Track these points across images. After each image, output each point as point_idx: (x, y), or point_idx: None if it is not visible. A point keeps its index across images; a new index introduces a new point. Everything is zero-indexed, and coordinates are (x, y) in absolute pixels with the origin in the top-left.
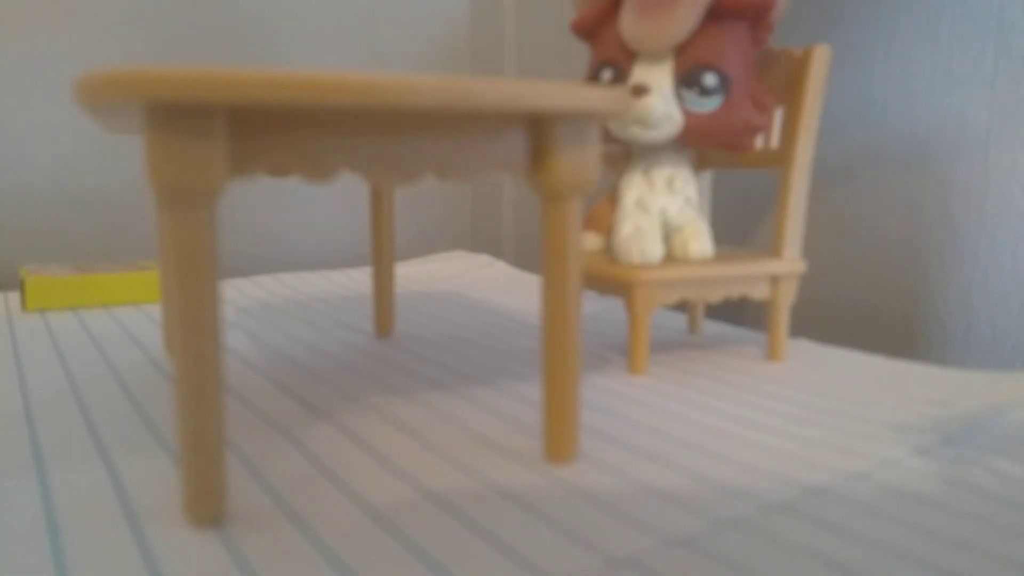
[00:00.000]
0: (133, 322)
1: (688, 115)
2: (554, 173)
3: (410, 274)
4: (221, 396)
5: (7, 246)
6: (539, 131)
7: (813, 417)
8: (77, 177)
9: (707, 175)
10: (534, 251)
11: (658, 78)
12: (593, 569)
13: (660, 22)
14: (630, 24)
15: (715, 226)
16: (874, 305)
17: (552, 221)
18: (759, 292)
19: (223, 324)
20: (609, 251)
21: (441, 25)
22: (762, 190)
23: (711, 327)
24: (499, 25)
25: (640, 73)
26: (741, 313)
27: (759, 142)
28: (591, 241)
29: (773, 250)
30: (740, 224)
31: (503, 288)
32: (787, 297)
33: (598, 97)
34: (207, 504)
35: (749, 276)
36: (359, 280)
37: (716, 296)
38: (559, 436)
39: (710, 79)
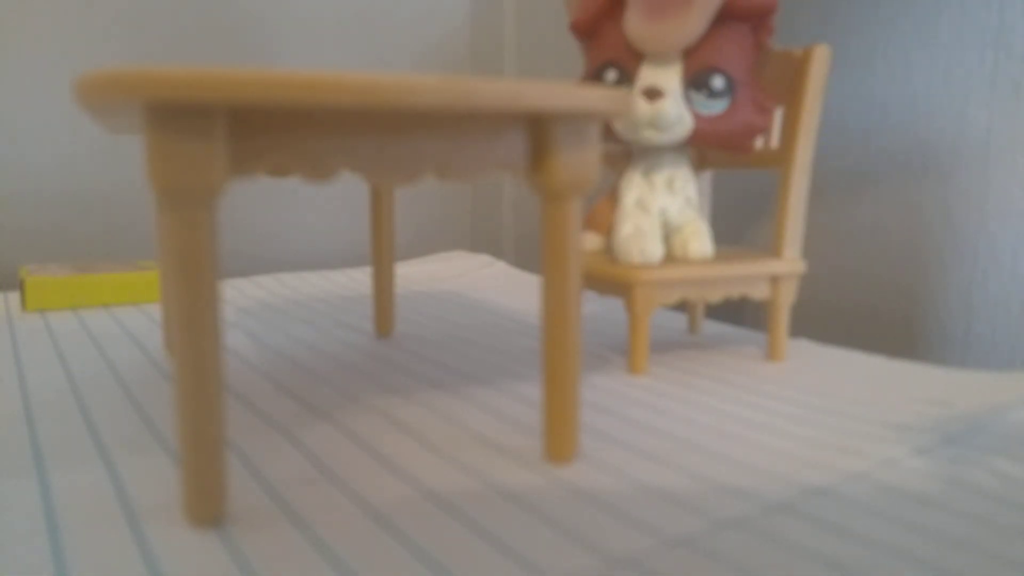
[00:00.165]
0: (133, 322)
1: (697, 117)
2: (554, 173)
3: (410, 274)
4: (221, 396)
5: (7, 246)
6: (539, 131)
7: (813, 417)
8: (77, 177)
9: (707, 175)
10: (534, 251)
11: (668, 80)
12: (593, 569)
13: (673, 24)
14: (639, 25)
15: (715, 226)
16: (874, 305)
17: (552, 221)
18: (759, 292)
19: (223, 324)
20: (609, 251)
21: (441, 25)
22: (762, 190)
23: (711, 327)
24: (499, 25)
25: (649, 75)
26: (741, 313)
27: (759, 142)
28: (591, 241)
29: (773, 250)
30: (740, 224)
31: (503, 288)
32: (787, 297)
33: (598, 97)
34: (207, 504)
35: (749, 276)
36: (359, 280)
37: (716, 296)
38: (559, 436)
39: (718, 82)
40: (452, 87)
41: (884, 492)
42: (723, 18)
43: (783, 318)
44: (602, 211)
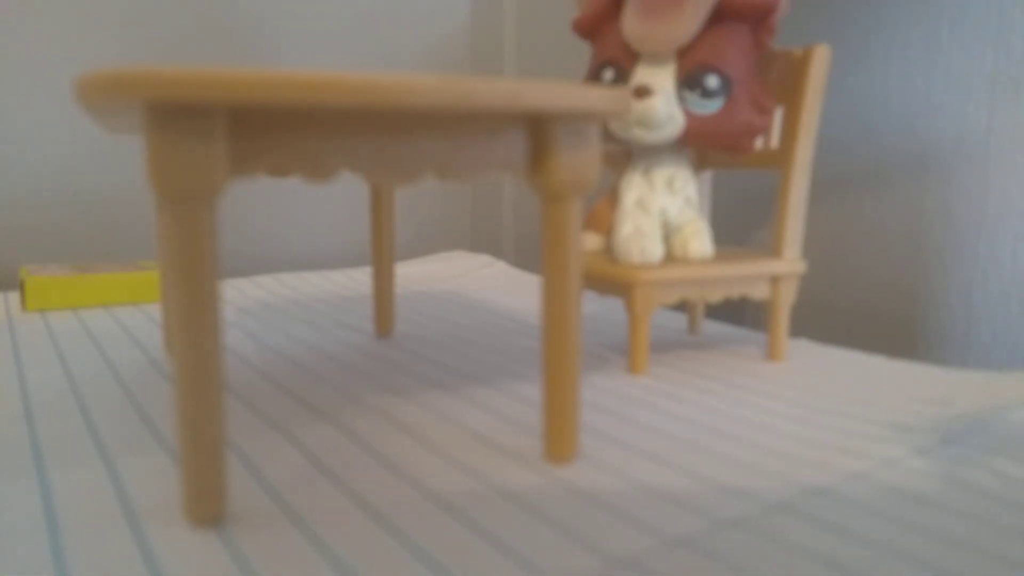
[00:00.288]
0: (133, 322)
1: (690, 116)
2: (554, 173)
3: (410, 274)
4: (221, 396)
5: (7, 246)
6: (539, 131)
7: (813, 417)
8: (77, 177)
9: (707, 175)
10: (534, 251)
11: (661, 79)
12: (593, 569)
13: (665, 23)
14: (633, 24)
15: (715, 226)
16: (874, 305)
17: (552, 221)
18: (759, 292)
19: (223, 324)
20: (609, 251)
21: (441, 25)
22: (762, 190)
23: (711, 327)
24: (499, 25)
25: (642, 74)
26: (741, 313)
27: (759, 142)
28: (591, 241)
29: (773, 250)
30: (740, 224)
31: (503, 288)
32: (787, 297)
33: (598, 97)
34: (207, 504)
35: (749, 276)
36: (359, 280)
37: (716, 296)
38: (559, 436)
39: (712, 81)
40: (452, 87)
41: (884, 492)
42: (721, 17)
43: (783, 318)
44: (602, 211)
